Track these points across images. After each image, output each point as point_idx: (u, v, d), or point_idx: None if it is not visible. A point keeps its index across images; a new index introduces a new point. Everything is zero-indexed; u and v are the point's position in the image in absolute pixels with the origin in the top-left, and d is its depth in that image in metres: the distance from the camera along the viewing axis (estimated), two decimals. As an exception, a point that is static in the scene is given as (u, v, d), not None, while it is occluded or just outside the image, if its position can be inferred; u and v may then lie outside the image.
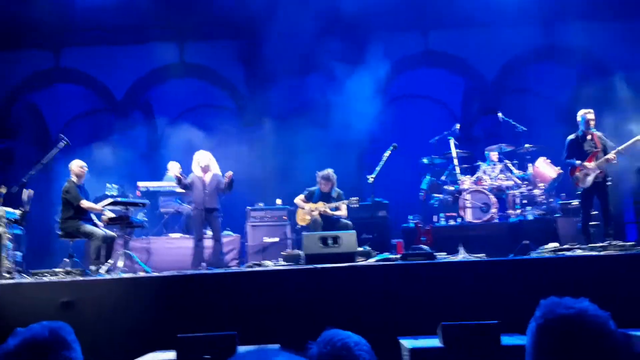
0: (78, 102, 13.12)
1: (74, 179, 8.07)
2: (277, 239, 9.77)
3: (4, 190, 7.83)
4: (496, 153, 10.07)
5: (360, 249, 7.53)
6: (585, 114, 8.09)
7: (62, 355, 1.78)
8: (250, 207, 10.08)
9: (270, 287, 5.73)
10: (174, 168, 10.28)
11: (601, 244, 6.83)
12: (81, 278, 6.35)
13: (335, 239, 6.78)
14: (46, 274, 6.51)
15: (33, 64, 12.32)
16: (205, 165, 8.71)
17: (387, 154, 8.39)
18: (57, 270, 6.73)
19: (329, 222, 8.62)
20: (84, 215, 7.97)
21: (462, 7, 11.24)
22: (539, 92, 13.13)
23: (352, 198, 8.65)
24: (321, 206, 8.72)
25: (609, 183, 7.95)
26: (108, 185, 9.69)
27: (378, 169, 8.32)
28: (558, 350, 1.55)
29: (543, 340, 1.58)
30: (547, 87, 12.88)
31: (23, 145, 12.31)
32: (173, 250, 9.21)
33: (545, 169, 9.38)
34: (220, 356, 4.14)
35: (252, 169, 11.50)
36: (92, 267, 7.49)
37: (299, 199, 9.02)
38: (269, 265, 7.38)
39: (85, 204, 7.90)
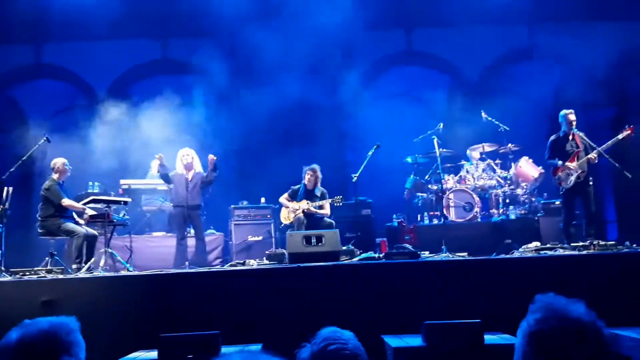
0: (59, 98, 12.94)
1: (55, 176, 7.97)
2: (260, 238, 9.74)
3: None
4: (478, 153, 10.13)
5: (344, 247, 7.54)
6: (567, 114, 8.16)
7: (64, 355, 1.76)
8: (234, 206, 10.04)
9: (254, 286, 5.71)
10: (156, 165, 10.19)
11: (583, 244, 6.89)
12: (62, 277, 6.27)
13: (319, 238, 6.79)
14: (27, 273, 6.41)
15: (13, 59, 12.15)
16: (189, 163, 8.66)
17: (370, 153, 8.40)
18: (37, 269, 6.64)
19: (312, 220, 8.62)
20: (65, 213, 7.87)
21: (445, 7, 11.26)
22: (521, 92, 13.18)
23: (336, 197, 8.65)
24: (305, 205, 8.72)
25: (591, 183, 8.02)
26: (90, 183, 9.58)
27: (362, 168, 8.32)
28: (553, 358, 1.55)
29: (537, 346, 1.58)
30: (529, 88, 12.94)
31: (2, 140, 12.12)
32: (156, 249, 9.15)
33: (527, 168, 9.45)
34: (204, 356, 4.11)
35: (235, 167, 11.47)
36: (74, 266, 7.41)
37: (283, 198, 9.00)
38: (253, 264, 7.35)
39: (66, 202, 7.80)
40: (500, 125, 9.86)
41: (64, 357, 1.76)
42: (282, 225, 9.03)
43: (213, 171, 8.62)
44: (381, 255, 7.04)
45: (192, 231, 8.90)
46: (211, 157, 8.58)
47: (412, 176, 10.17)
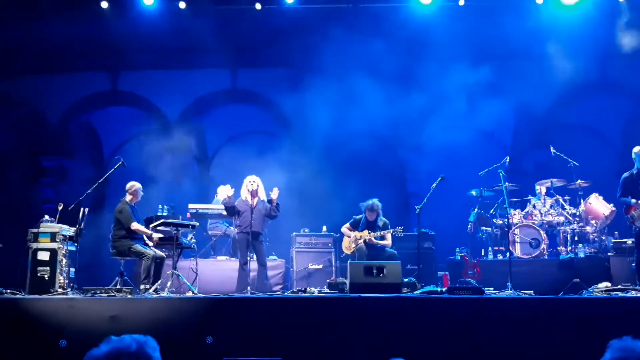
0: (132, 124, 13.52)
1: (128, 198, 8.30)
2: (321, 266, 9.79)
3: (60, 207, 8.12)
4: (545, 188, 9.91)
5: (406, 280, 7.48)
6: (640, 151, 7.89)
7: None
8: (295, 233, 10.14)
9: (315, 314, 5.74)
10: (223, 191, 10.45)
11: (657, 286, 6.61)
12: (130, 296, 6.50)
13: (381, 269, 6.77)
14: (98, 291, 6.68)
15: (90, 85, 12.79)
16: (254, 190, 8.84)
17: (435, 184, 8.35)
18: (108, 287, 6.90)
19: (374, 251, 8.60)
20: (135, 235, 8.16)
21: (512, 39, 11.18)
22: (591, 126, 12.89)
23: (398, 227, 8.62)
24: (366, 235, 8.72)
25: (666, 223, 7.70)
26: (160, 206, 9.91)
27: (425, 199, 8.28)
28: None
29: None
30: (600, 122, 12.63)
31: (78, 163, 12.75)
32: (219, 273, 9.32)
33: (598, 205, 9.17)
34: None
35: (298, 195, 11.61)
36: (142, 287, 7.66)
37: (345, 228, 9.04)
38: (314, 292, 7.39)
39: (134, 226, 8.09)
40: (570, 160, 9.64)
41: None
42: (344, 254, 9.05)
43: (276, 209, 8.77)
44: (444, 290, 6.94)
45: (255, 256, 9.03)
46: (275, 192, 8.71)
47: (476, 209, 10.03)
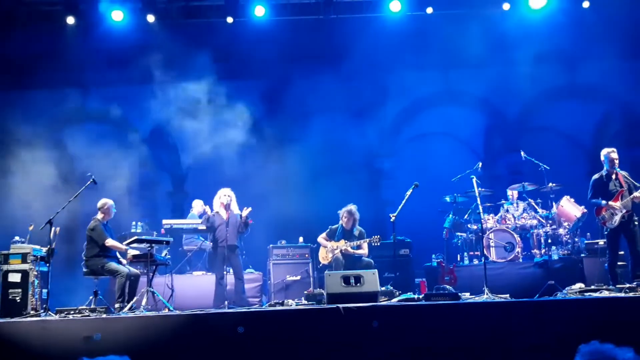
0: (103, 140, 13.34)
1: (100, 216, 8.18)
2: (299, 277, 9.76)
3: (31, 227, 7.97)
4: (517, 192, 10.03)
5: (383, 288, 7.49)
6: (609, 152, 8.04)
7: None
8: (272, 245, 10.10)
9: (293, 327, 5.71)
10: (197, 206, 10.38)
11: (629, 285, 6.71)
12: (105, 316, 6.39)
13: (358, 278, 6.76)
14: (71, 312, 6.56)
15: (59, 101, 12.59)
16: (227, 203, 8.80)
17: (409, 192, 8.38)
18: (81, 307, 6.78)
19: (350, 260, 8.61)
20: (108, 252, 8.04)
21: (482, 45, 11.34)
22: (561, 130, 13.10)
23: (374, 236, 8.63)
24: (343, 244, 8.72)
25: (637, 222, 7.84)
26: (133, 222, 9.80)
27: (400, 207, 8.31)
28: None
29: None
30: (570, 126, 12.84)
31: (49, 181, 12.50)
32: (196, 288, 9.23)
33: (569, 208, 9.30)
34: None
35: (274, 206, 11.57)
36: (116, 305, 7.55)
37: (321, 238, 9.03)
38: (292, 304, 7.36)
39: (109, 242, 7.98)
40: (540, 164, 9.78)
41: None
42: (321, 265, 9.03)
43: (245, 226, 8.78)
44: (421, 297, 6.97)
45: (232, 270, 8.97)
46: (246, 211, 8.70)
47: (450, 215, 10.10)
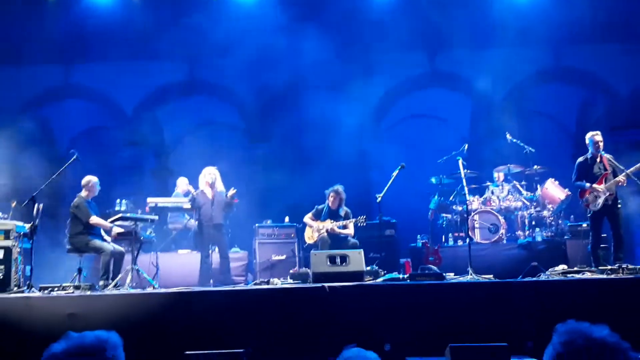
0: (88, 118, 13.19)
1: (84, 194, 8.11)
2: (284, 257, 9.76)
3: (14, 203, 7.88)
4: (502, 174, 10.09)
5: (368, 268, 7.52)
6: (593, 136, 8.08)
7: None
8: (258, 224, 10.09)
9: (278, 305, 5.72)
10: (182, 184, 10.32)
11: (611, 267, 6.78)
12: (90, 293, 6.36)
13: (344, 258, 6.77)
14: (55, 289, 6.51)
15: (43, 79, 12.40)
16: (212, 182, 8.75)
17: (395, 173, 8.39)
18: (65, 285, 6.74)
19: (336, 240, 8.62)
20: (92, 230, 7.99)
21: (468, 28, 11.32)
22: (547, 113, 13.17)
23: (360, 217, 8.64)
24: (329, 224, 8.73)
25: (619, 206, 7.93)
26: (117, 200, 9.72)
27: (386, 188, 8.32)
28: None
29: None
30: (555, 109, 12.91)
31: (32, 158, 12.35)
32: (181, 266, 9.21)
33: (554, 190, 9.37)
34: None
35: (260, 186, 11.55)
36: (101, 282, 7.51)
37: (307, 217, 9.03)
38: (277, 283, 7.37)
39: (94, 219, 7.92)
40: (525, 147, 9.83)
41: None
42: (306, 244, 9.04)
43: (229, 206, 8.73)
44: (406, 276, 7.00)
45: (217, 249, 8.95)
46: (231, 192, 8.65)
47: (436, 197, 10.15)
